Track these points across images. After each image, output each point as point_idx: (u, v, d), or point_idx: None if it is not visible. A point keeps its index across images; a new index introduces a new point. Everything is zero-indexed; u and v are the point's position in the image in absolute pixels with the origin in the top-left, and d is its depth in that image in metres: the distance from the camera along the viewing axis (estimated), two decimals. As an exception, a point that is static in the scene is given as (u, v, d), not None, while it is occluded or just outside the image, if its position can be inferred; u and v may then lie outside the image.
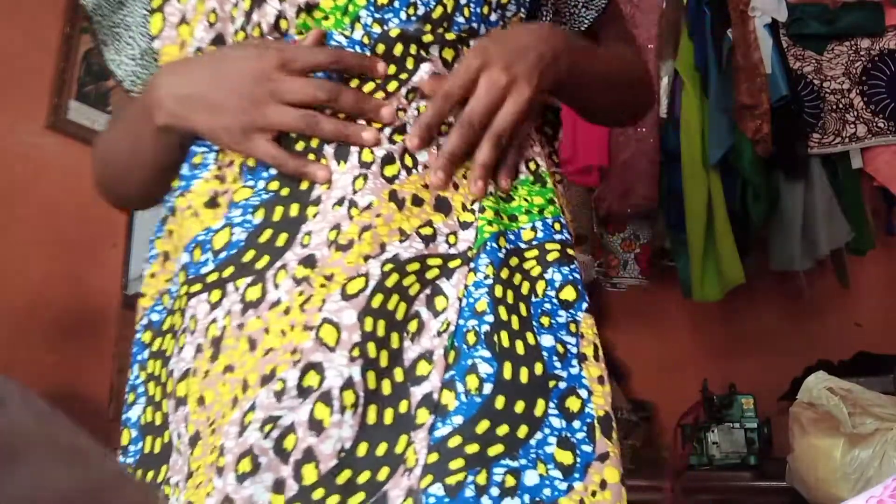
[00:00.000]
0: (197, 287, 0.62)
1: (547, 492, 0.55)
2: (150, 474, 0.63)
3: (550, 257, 0.64)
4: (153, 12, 0.71)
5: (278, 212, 0.62)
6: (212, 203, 0.64)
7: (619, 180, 2.25)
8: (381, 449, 0.56)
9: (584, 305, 0.64)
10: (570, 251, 0.65)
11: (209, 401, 0.58)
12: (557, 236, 0.66)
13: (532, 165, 0.69)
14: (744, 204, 2.22)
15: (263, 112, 0.62)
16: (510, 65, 0.64)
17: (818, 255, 2.25)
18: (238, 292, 0.60)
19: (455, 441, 0.55)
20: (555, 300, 0.63)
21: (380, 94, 0.64)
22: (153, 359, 0.66)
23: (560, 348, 0.61)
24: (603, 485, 0.57)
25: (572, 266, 0.65)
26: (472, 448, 0.55)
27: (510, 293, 0.61)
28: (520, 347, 0.59)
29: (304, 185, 0.63)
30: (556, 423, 0.58)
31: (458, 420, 0.56)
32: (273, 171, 0.64)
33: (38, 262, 2.10)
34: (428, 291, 0.60)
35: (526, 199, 0.67)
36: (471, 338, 0.58)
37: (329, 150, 0.63)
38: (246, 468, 0.54)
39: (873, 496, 0.53)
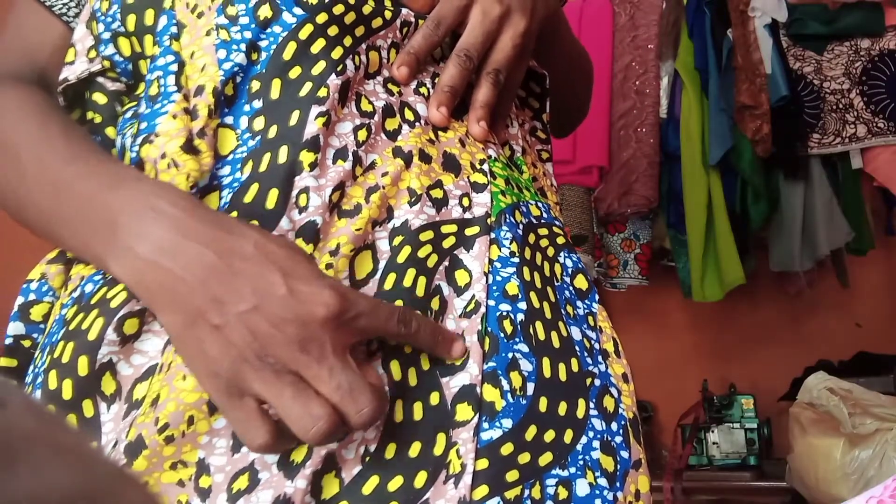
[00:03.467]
0: None
1: (598, 502, 0.50)
2: None
3: (559, 241, 0.59)
4: None
5: (265, 160, 0.51)
6: (190, 148, 0.51)
7: (619, 180, 2.25)
8: (415, 450, 0.47)
9: (597, 297, 0.59)
10: (570, 241, 0.60)
11: (163, 398, 0.46)
12: (558, 222, 0.60)
13: (507, 150, 0.62)
14: (744, 204, 2.22)
15: (275, 385, 0.43)
16: None
17: (818, 255, 2.25)
18: None
19: (507, 448, 0.48)
20: (571, 288, 0.58)
21: (377, 22, 0.56)
22: (65, 340, 0.49)
23: (586, 343, 0.55)
24: (637, 495, 0.53)
25: (577, 255, 0.60)
26: (524, 457, 0.48)
27: (537, 276, 0.55)
28: (555, 340, 0.53)
29: (293, 121, 0.51)
30: (598, 424, 0.52)
31: (507, 423, 0.49)
32: (256, 104, 0.52)
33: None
34: (446, 263, 0.52)
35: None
36: (507, 326, 0.51)
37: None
38: (242, 485, 0.45)
39: (873, 496, 0.53)
